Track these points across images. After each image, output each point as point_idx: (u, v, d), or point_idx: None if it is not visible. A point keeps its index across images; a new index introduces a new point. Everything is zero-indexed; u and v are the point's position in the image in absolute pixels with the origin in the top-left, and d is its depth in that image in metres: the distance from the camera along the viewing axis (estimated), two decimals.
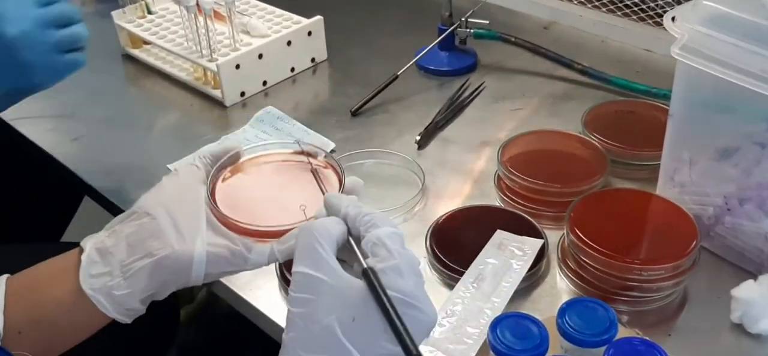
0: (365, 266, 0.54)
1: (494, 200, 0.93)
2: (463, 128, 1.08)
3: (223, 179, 0.69)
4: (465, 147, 1.04)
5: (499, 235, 0.83)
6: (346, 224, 0.58)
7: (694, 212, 0.81)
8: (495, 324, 0.67)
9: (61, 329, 0.64)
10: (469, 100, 1.14)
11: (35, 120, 1.13)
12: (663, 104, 1.02)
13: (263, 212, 0.66)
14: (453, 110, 1.11)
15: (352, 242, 0.58)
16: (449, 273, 0.80)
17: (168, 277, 0.63)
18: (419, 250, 0.85)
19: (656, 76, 1.13)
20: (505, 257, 0.80)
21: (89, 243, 0.65)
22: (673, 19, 0.79)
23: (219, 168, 0.69)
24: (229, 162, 0.70)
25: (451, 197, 0.95)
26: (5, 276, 0.65)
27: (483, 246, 0.82)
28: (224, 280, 0.83)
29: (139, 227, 0.63)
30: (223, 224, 0.65)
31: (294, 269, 0.56)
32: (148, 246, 0.63)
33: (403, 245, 0.56)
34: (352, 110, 1.11)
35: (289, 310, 0.55)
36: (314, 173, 0.69)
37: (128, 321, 0.65)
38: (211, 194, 0.67)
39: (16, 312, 0.62)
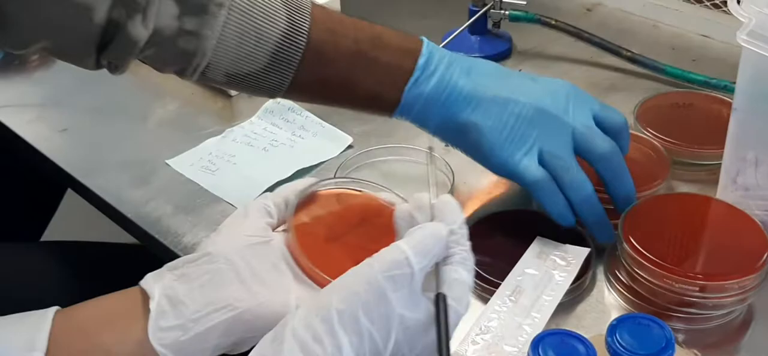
0: (442, 291, 0.60)
1: (533, 203, 0.92)
2: None
3: (294, 231, 0.67)
4: None
5: (540, 242, 0.83)
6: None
7: (760, 219, 0.80)
8: (536, 342, 0.66)
9: None
10: None
11: (17, 109, 1.12)
12: (725, 96, 1.01)
13: (343, 265, 0.64)
14: None
15: (438, 264, 0.62)
16: (483, 284, 0.80)
17: (246, 335, 0.61)
18: None
19: (715, 64, 1.12)
20: (547, 268, 0.80)
21: (157, 290, 0.62)
22: (738, 1, 0.78)
23: (290, 216, 0.68)
24: (299, 208, 0.69)
25: (484, 199, 0.94)
26: (54, 308, 0.62)
27: (521, 255, 0.81)
28: None
29: (215, 274, 0.62)
30: (313, 279, 0.64)
31: (403, 245, 0.60)
32: (227, 297, 0.61)
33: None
34: None
35: (372, 270, 0.58)
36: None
37: None
38: (294, 247, 0.66)
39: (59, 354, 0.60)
